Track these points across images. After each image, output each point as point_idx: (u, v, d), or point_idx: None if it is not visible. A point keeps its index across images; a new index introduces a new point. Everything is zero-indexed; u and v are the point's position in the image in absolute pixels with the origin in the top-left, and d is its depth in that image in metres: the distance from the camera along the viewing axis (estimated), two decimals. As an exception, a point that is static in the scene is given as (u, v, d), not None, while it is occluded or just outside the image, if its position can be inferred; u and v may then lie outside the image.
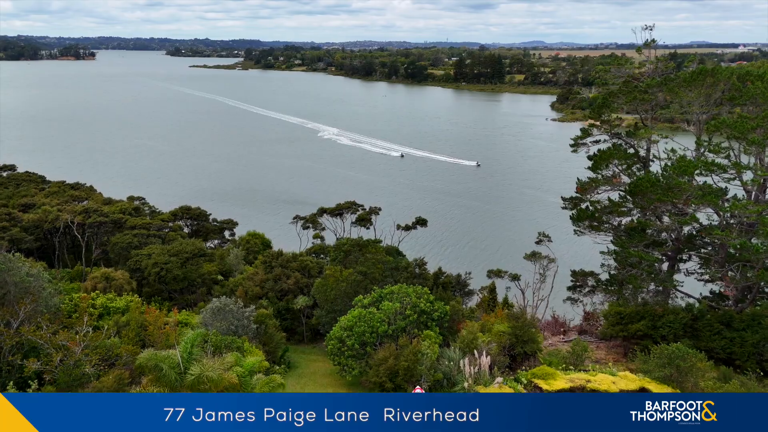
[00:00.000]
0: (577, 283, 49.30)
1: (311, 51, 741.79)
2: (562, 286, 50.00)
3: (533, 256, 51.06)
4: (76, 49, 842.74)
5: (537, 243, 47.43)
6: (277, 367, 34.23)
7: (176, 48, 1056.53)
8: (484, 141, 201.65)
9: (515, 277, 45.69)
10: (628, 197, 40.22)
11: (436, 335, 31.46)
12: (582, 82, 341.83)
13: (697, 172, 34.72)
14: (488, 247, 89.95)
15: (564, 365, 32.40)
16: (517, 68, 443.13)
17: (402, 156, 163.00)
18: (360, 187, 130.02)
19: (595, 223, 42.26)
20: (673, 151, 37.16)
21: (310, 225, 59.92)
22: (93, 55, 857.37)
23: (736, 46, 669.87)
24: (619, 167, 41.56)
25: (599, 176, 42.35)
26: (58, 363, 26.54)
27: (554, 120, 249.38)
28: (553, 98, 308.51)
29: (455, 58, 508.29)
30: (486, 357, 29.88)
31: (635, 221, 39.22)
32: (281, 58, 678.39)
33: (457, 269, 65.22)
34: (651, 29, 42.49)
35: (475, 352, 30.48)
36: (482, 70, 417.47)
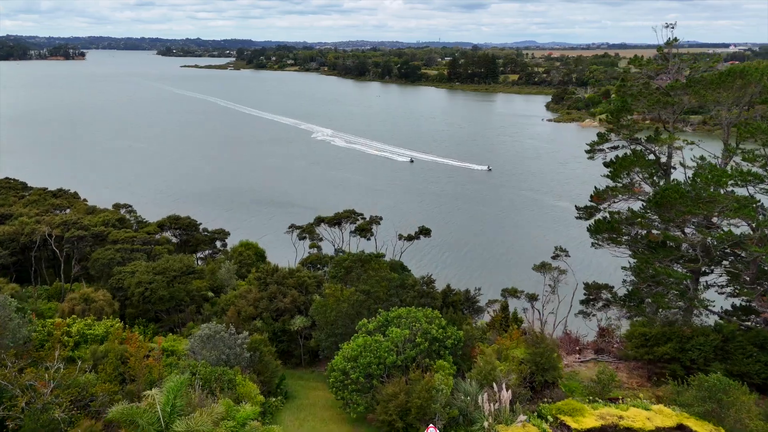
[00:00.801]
0: (590, 297, 46.43)
1: (303, 51, 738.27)
2: (571, 297, 47.16)
3: (543, 267, 48.11)
4: (65, 49, 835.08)
5: (553, 258, 44.32)
6: (273, 399, 31.07)
7: (167, 48, 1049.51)
8: (482, 142, 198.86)
9: (533, 297, 42.55)
10: (650, 208, 37.33)
11: (449, 365, 28.40)
12: (576, 82, 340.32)
13: (731, 182, 31.82)
14: (491, 252, 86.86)
15: (591, 397, 29.46)
16: (511, 68, 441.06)
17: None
18: (356, 191, 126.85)
19: (614, 235, 39.33)
20: (702, 158, 34.31)
21: (307, 235, 56.62)
22: (83, 55, 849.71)
23: (727, 45, 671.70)
24: (641, 175, 38.63)
25: (618, 185, 39.45)
26: (24, 407, 23.27)
27: (550, 120, 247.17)
28: (548, 98, 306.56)
29: (448, 58, 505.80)
30: (507, 391, 26.84)
31: (660, 234, 36.21)
32: (273, 58, 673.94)
33: (463, 280, 62.30)
34: (673, 27, 39.61)
35: (494, 384, 27.45)
36: (476, 70, 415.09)
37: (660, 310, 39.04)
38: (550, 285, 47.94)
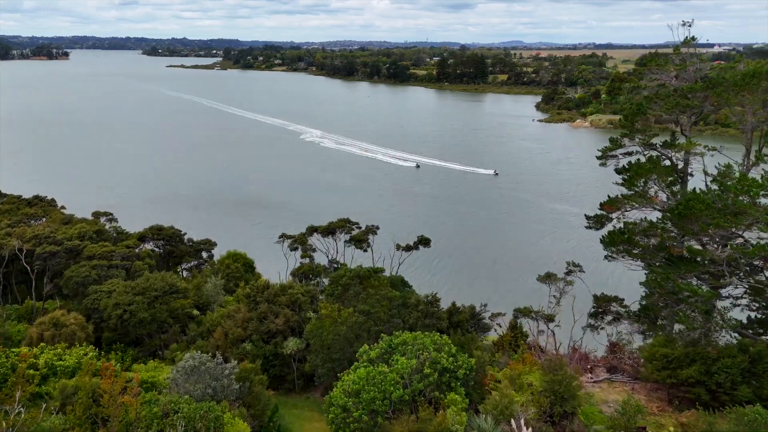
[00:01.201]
0: (599, 310, 43.91)
1: (291, 51, 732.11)
2: (578, 308, 44.62)
3: (548, 278, 45.49)
4: (49, 49, 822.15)
5: (567, 273, 41.66)
6: (266, 436, 28.15)
7: (153, 47, 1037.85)
8: (480, 143, 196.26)
9: (549, 319, 39.77)
10: (670, 219, 34.82)
11: (462, 399, 25.59)
12: (566, 82, 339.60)
13: (763, 192, 29.36)
14: (495, 257, 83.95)
15: (615, 430, 26.83)
16: (500, 68, 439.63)
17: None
18: (354, 195, 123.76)
19: (630, 248, 36.76)
20: (728, 166, 31.87)
21: (299, 246, 53.52)
22: (67, 54, 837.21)
23: (711, 45, 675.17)
24: (657, 183, 36.14)
25: (632, 192, 36.93)
26: (-23, 462, 20.12)
27: (541, 121, 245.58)
28: (537, 98, 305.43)
29: (437, 58, 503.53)
30: (527, 429, 24.10)
31: (684, 247, 33.70)
32: (261, 58, 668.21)
33: (464, 288, 59.44)
34: (690, 25, 37.20)
35: (512, 420, 24.72)
36: (465, 70, 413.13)
37: (677, 326, 36.67)
38: (555, 296, 45.37)
